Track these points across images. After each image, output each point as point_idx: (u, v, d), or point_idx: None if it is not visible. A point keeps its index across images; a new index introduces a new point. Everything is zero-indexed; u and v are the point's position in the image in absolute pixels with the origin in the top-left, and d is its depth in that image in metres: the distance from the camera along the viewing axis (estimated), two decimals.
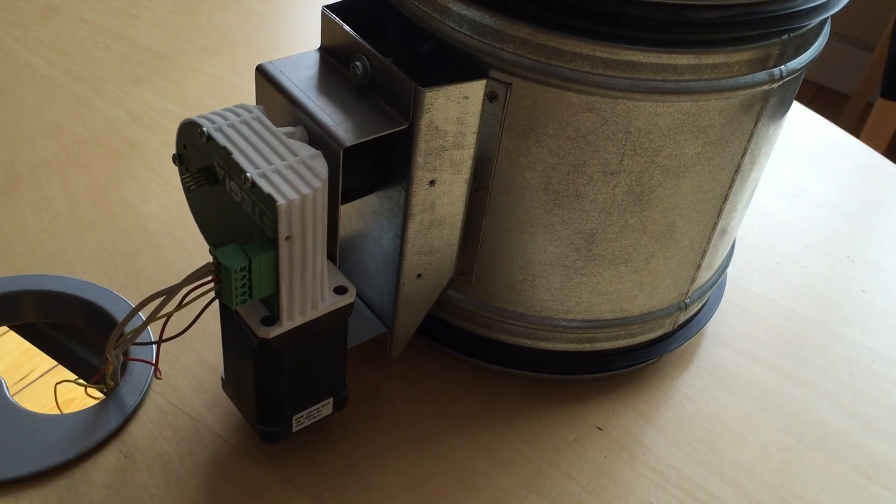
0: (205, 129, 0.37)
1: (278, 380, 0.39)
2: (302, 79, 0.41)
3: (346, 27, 0.40)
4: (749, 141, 0.41)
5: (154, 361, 0.45)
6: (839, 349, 0.54)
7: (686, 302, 0.48)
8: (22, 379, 1.23)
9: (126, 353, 0.46)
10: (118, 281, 0.51)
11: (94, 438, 0.43)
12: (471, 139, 0.40)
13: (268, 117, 0.39)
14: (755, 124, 0.40)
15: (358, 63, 0.40)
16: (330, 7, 0.42)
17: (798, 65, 0.40)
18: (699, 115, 0.38)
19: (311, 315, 0.38)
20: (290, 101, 0.39)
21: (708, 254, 0.46)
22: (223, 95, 0.67)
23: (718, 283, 0.53)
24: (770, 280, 0.58)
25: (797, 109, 0.75)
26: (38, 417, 0.43)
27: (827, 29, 0.44)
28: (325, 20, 0.41)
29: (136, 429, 0.44)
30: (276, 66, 0.41)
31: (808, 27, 0.39)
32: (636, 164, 0.39)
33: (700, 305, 0.52)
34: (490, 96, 0.39)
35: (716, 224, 0.44)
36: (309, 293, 0.37)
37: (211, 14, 0.77)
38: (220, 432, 0.44)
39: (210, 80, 0.69)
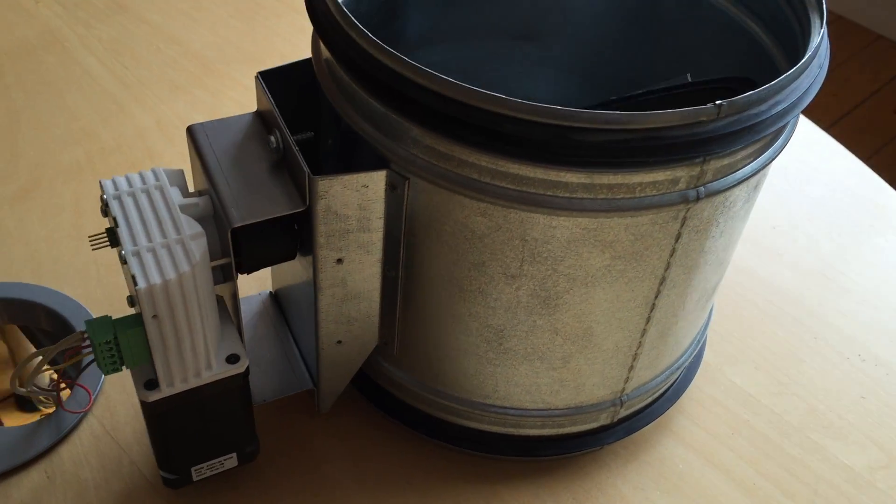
0: (104, 195, 0.38)
1: (165, 437, 0.41)
2: (223, 146, 0.41)
3: (269, 97, 0.40)
4: (672, 255, 0.38)
5: (92, 391, 0.48)
6: (812, 464, 0.49)
7: (622, 399, 0.46)
8: None
9: (75, 376, 0.49)
10: (94, 295, 0.54)
11: (25, 455, 0.46)
12: (377, 223, 0.39)
13: (186, 184, 0.40)
14: (676, 240, 0.38)
15: (272, 138, 0.40)
16: (266, 73, 0.42)
17: (725, 185, 0.36)
18: (601, 231, 0.36)
19: (194, 382, 0.39)
20: (204, 168, 0.40)
21: (642, 357, 0.44)
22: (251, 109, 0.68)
23: (678, 375, 0.50)
24: (756, 372, 0.54)
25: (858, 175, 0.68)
26: None
27: (793, 125, 0.40)
28: (257, 86, 0.42)
29: (66, 450, 0.47)
30: (204, 128, 0.42)
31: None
32: (537, 271, 0.38)
33: (652, 398, 0.49)
34: (391, 186, 0.38)
35: (645, 330, 0.42)
36: (189, 363, 0.38)
37: (266, 21, 0.79)
38: (140, 466, 0.46)
39: (244, 92, 0.71)
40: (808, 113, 0.66)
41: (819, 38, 0.37)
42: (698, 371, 0.53)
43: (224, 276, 0.40)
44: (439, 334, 0.42)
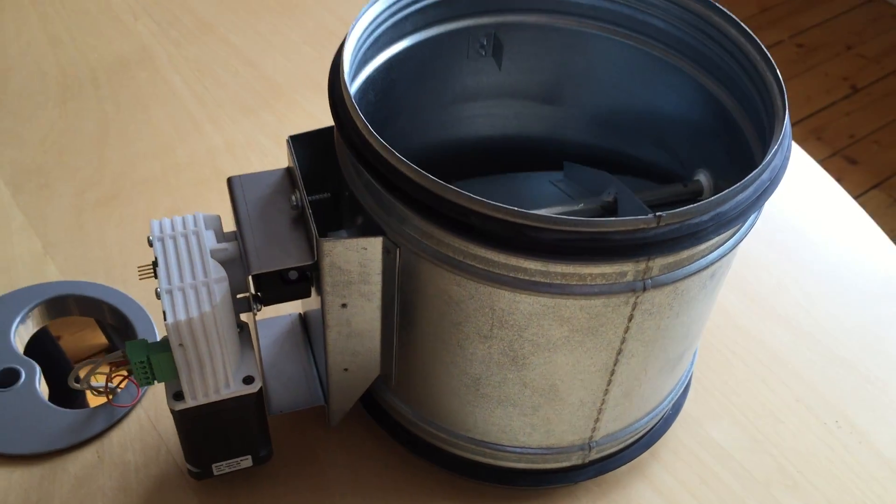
0: (150, 237, 0.45)
1: (190, 438, 0.48)
2: (254, 198, 0.48)
3: (294, 160, 0.47)
4: (627, 332, 0.44)
5: (139, 391, 0.56)
6: None
7: (591, 445, 0.51)
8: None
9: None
10: (153, 299, 0.62)
11: (81, 436, 0.54)
12: (376, 278, 0.46)
13: (222, 226, 0.48)
14: (630, 320, 0.43)
15: (293, 197, 0.47)
16: (296, 137, 0.49)
17: (674, 278, 0.41)
18: (558, 308, 0.42)
19: (214, 398, 0.46)
20: (236, 216, 0.47)
21: (607, 412, 0.49)
22: None
23: (653, 425, 0.55)
24: (734, 427, 0.58)
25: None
26: (50, 408, 0.56)
27: (751, 222, 0.45)
28: (287, 147, 0.48)
29: (116, 435, 0.55)
30: (240, 180, 0.49)
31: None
32: (506, 335, 0.44)
33: (623, 445, 0.54)
34: (386, 250, 0.44)
35: (607, 390, 0.47)
36: (210, 382, 0.46)
37: (334, 49, 0.85)
38: (175, 455, 0.54)
39: (307, 118, 0.78)
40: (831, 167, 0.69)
41: (772, 153, 0.42)
42: (677, 421, 0.57)
43: (248, 306, 0.47)
44: (427, 375, 0.49)
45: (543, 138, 0.62)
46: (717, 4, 0.50)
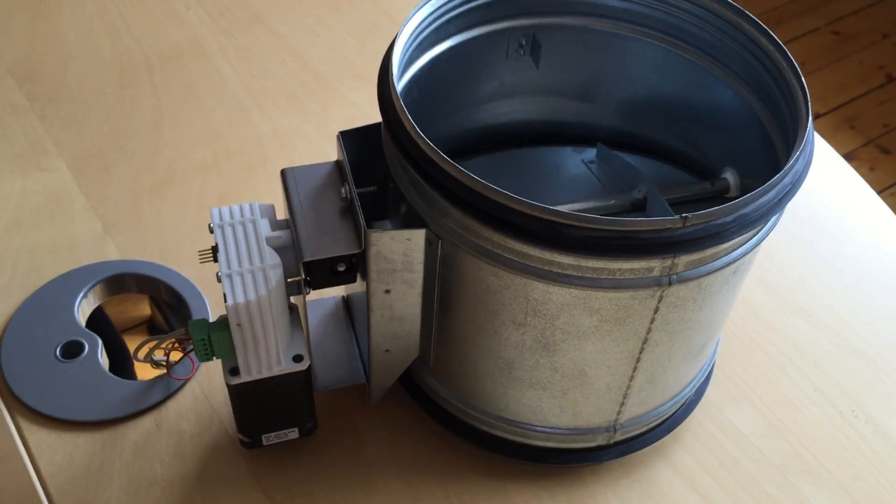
0: (210, 224, 0.49)
1: (243, 411, 0.52)
2: (306, 190, 0.52)
3: (344, 154, 0.51)
4: (652, 323, 0.47)
5: (194, 365, 0.60)
6: (784, 502, 0.57)
7: (615, 427, 0.55)
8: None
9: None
10: (205, 278, 0.66)
11: (140, 405, 0.59)
12: (418, 267, 0.49)
13: (275, 214, 0.51)
14: (655, 312, 0.46)
15: (343, 189, 0.50)
16: (346, 132, 0.52)
17: (698, 274, 0.44)
18: (589, 300, 0.45)
19: (266, 374, 0.50)
20: (289, 207, 0.51)
21: (632, 397, 0.52)
22: (354, 125, 0.79)
23: (675, 410, 0.58)
24: (753, 414, 0.61)
25: None
26: (112, 379, 0.60)
27: (773, 221, 0.47)
28: (338, 142, 0.52)
29: (172, 405, 0.59)
30: (293, 172, 0.52)
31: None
32: (538, 322, 0.47)
33: (647, 428, 0.57)
34: (428, 242, 0.47)
35: (633, 376, 0.50)
36: (263, 360, 0.49)
37: (378, 41, 0.89)
38: (227, 425, 0.58)
39: (350, 108, 0.81)
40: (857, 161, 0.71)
41: (794, 158, 0.44)
42: (698, 406, 0.60)
43: (298, 289, 0.51)
44: (463, 358, 0.52)
45: (576, 124, 0.65)
46: (747, 12, 0.52)
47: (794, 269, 0.71)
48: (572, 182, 0.61)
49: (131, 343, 0.92)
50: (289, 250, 0.50)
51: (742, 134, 0.56)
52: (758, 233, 0.46)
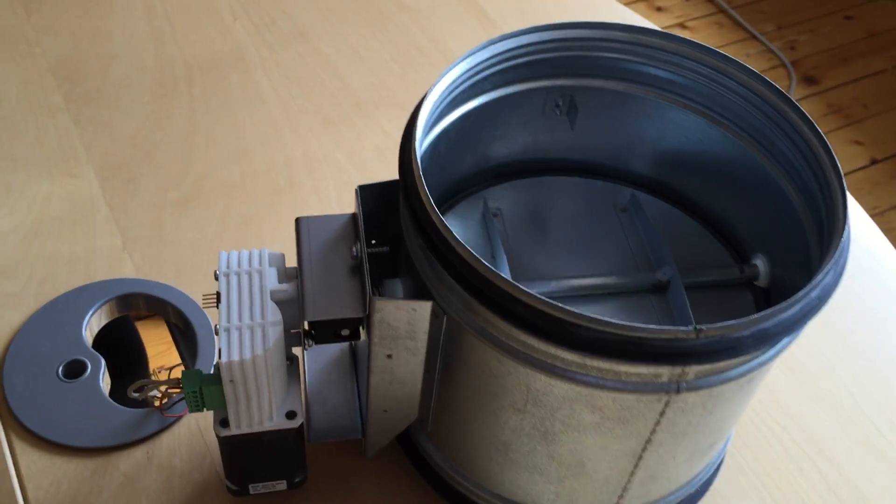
0: (217, 270, 0.48)
1: (231, 460, 0.51)
2: (318, 242, 0.50)
3: (359, 210, 0.49)
4: (657, 424, 0.44)
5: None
6: None
7: None
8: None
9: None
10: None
11: (134, 435, 0.58)
12: (422, 336, 0.47)
13: (285, 262, 0.50)
14: (661, 415, 0.44)
15: (354, 248, 0.49)
16: (364, 186, 0.51)
17: (709, 384, 0.42)
18: (592, 397, 0.43)
19: (257, 428, 0.49)
20: (299, 258, 0.50)
21: (631, 491, 0.50)
22: (384, 157, 0.78)
23: (677, 501, 0.56)
24: None
25: None
26: (109, 405, 0.59)
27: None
28: (356, 196, 0.50)
29: (167, 438, 0.59)
30: (307, 223, 0.51)
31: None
32: (538, 412, 0.45)
33: None
34: (434, 314, 0.46)
35: (633, 472, 0.48)
36: (255, 415, 0.48)
37: (421, 68, 0.87)
38: (218, 466, 0.58)
39: (383, 138, 0.80)
40: None
41: (825, 272, 0.42)
42: (704, 498, 0.58)
43: (300, 341, 0.50)
44: (461, 431, 0.51)
45: (612, 168, 0.63)
46: (794, 101, 0.50)
47: (822, 355, 0.68)
48: (599, 232, 0.58)
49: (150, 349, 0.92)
50: (294, 303, 0.49)
51: (777, 219, 0.53)
52: (772, 348, 0.44)
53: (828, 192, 0.47)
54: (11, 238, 0.68)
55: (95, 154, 0.75)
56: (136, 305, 0.66)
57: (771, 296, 0.56)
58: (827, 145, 0.48)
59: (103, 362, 0.61)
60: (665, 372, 0.41)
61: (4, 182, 0.72)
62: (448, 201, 0.60)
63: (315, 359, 0.60)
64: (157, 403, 0.55)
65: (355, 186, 0.50)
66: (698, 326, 0.39)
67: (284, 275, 0.51)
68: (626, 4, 2.29)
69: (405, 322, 0.46)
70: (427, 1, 0.95)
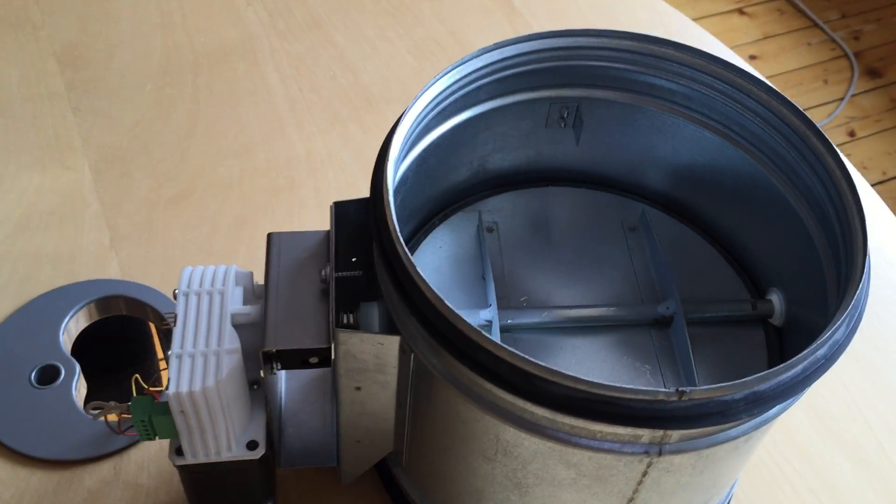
0: (176, 290, 0.45)
1: (190, 487, 0.48)
2: (289, 262, 0.47)
3: (332, 229, 0.45)
4: (640, 484, 0.40)
5: None
6: None
7: None
8: None
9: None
10: None
11: (102, 449, 0.55)
12: (392, 370, 0.44)
13: (253, 280, 0.47)
14: (644, 475, 0.39)
15: (323, 271, 0.45)
16: (341, 203, 0.47)
17: (696, 447, 0.38)
18: (565, 453, 0.39)
19: (214, 458, 0.46)
20: (266, 279, 0.46)
21: None
22: None
23: None
24: None
25: None
26: (79, 415, 0.57)
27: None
28: (330, 213, 0.47)
29: (135, 454, 0.56)
30: (279, 239, 0.48)
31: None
32: (510, 462, 0.41)
33: None
34: (402, 350, 0.42)
35: None
36: (211, 445, 0.45)
37: (439, 63, 0.83)
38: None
39: None
40: None
41: (834, 327, 0.37)
42: None
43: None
44: (434, 472, 0.47)
45: (622, 181, 0.58)
46: (817, 126, 0.45)
47: (847, 393, 0.62)
48: (603, 253, 0.53)
49: None
50: (258, 327, 0.45)
51: (796, 253, 0.48)
52: (770, 409, 0.39)
53: (848, 232, 0.42)
54: None
55: (92, 145, 0.73)
56: (117, 308, 0.63)
57: (784, 336, 0.51)
58: (851, 179, 0.42)
59: (78, 368, 0.59)
60: (645, 433, 0.37)
61: None
62: (443, 211, 0.56)
63: (295, 376, 0.57)
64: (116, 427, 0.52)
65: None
66: (681, 389, 0.35)
67: (252, 295, 0.47)
68: None
69: (372, 355, 0.43)
70: None
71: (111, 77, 0.78)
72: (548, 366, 0.35)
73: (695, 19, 2.12)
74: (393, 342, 0.42)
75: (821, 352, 0.37)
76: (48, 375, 0.58)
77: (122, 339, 0.84)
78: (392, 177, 0.42)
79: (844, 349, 0.38)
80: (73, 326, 0.62)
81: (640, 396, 0.35)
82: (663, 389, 0.35)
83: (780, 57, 2.15)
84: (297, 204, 0.70)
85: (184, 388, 0.41)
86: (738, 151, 0.50)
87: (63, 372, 0.58)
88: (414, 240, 0.54)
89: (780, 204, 0.49)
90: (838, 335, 0.38)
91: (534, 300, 0.51)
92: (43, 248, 0.65)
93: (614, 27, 0.72)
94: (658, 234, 0.53)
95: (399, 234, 0.39)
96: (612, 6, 0.90)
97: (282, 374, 0.56)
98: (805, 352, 0.36)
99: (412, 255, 0.53)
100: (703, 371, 0.49)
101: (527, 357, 0.35)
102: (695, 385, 0.47)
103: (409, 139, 0.45)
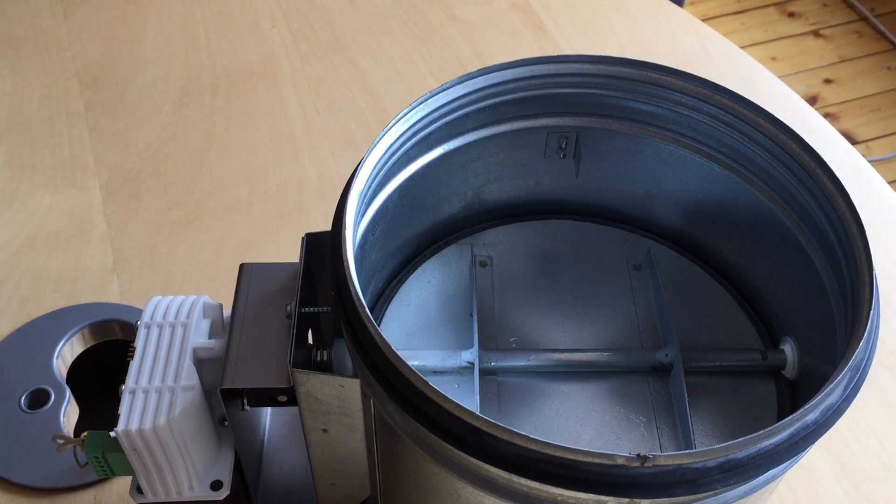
0: (139, 321, 0.43)
1: None
2: (258, 294, 0.45)
3: (301, 262, 0.43)
4: None
5: None
6: None
7: None
8: None
9: None
10: None
11: (85, 478, 0.54)
12: (357, 413, 0.41)
13: (223, 312, 0.45)
14: None
15: (288, 306, 0.43)
16: (313, 235, 0.45)
17: None
18: None
19: (175, 497, 0.44)
20: (233, 311, 0.44)
21: None
22: None
23: None
24: None
25: None
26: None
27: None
28: (301, 245, 0.44)
29: (118, 483, 0.54)
30: (251, 269, 0.46)
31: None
32: None
33: None
34: (363, 393, 0.39)
35: None
36: (170, 484, 0.43)
37: None
38: None
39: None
40: None
41: (828, 388, 0.33)
42: None
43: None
44: None
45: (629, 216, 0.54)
46: (828, 164, 0.41)
47: (882, 450, 0.57)
48: (603, 294, 0.50)
49: None
50: (222, 362, 0.43)
51: (809, 300, 0.44)
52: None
53: (856, 281, 0.38)
54: (2, 253, 0.66)
55: (104, 166, 0.72)
56: (112, 332, 0.62)
57: (797, 388, 0.46)
58: (861, 223, 0.38)
59: (69, 394, 0.58)
60: (610, 500, 0.33)
61: (8, 191, 0.70)
62: (436, 244, 0.53)
63: (279, 412, 0.55)
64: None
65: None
66: (643, 454, 0.31)
67: (222, 328, 0.45)
68: (755, 9, 2.13)
69: (335, 398, 0.40)
70: (482, 12, 0.88)
71: (130, 97, 0.78)
72: (497, 422, 0.32)
73: (768, 41, 2.06)
74: (354, 385, 0.39)
75: (812, 416, 0.33)
76: (38, 399, 0.57)
77: (121, 365, 0.84)
78: (356, 210, 0.40)
79: (841, 413, 0.34)
80: (67, 351, 0.61)
81: (598, 460, 0.31)
82: (624, 454, 0.31)
83: (857, 81, 2.06)
84: (305, 229, 0.68)
85: (133, 426, 0.40)
86: (748, 187, 0.46)
87: (53, 397, 0.57)
88: (402, 273, 0.51)
89: (791, 244, 0.45)
90: (833, 398, 0.34)
91: (524, 341, 0.48)
92: (46, 269, 0.65)
93: (650, 51, 0.69)
94: (665, 272, 0.49)
95: (350, 269, 0.37)
96: (650, 29, 0.86)
97: (267, 410, 0.54)
98: (792, 416, 0.33)
99: (399, 288, 0.50)
100: (703, 426, 0.45)
101: (475, 413, 0.32)
102: (691, 441, 0.43)
103: (377, 173, 0.43)
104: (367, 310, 0.35)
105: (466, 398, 0.45)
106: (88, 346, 0.62)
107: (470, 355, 0.46)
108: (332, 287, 0.39)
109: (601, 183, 0.52)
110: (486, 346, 0.47)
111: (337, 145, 0.75)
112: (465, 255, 0.52)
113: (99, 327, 0.62)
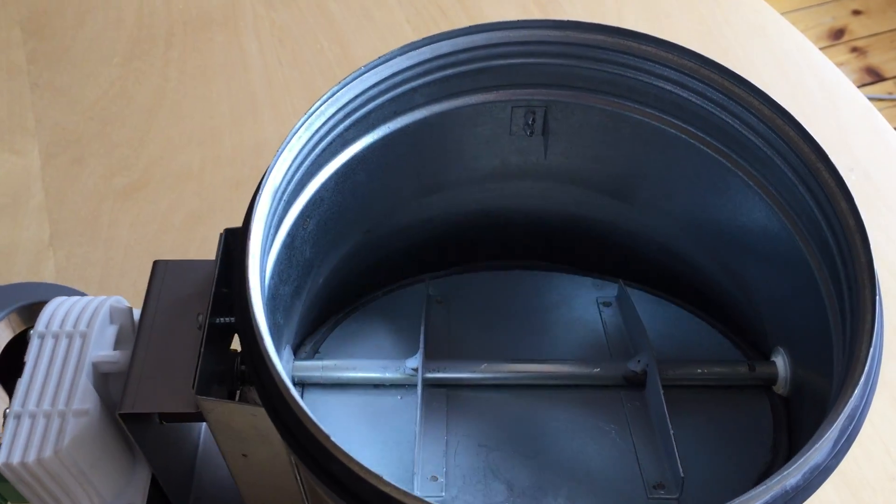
0: (32, 331, 0.38)
1: None
2: (170, 298, 0.39)
3: (217, 262, 0.38)
4: None
5: None
6: None
7: None
8: None
9: None
10: None
11: None
12: (276, 440, 0.36)
13: (133, 317, 0.39)
14: None
15: (199, 316, 0.37)
16: (233, 230, 0.39)
17: None
18: None
19: None
20: (141, 317, 0.38)
21: None
22: None
23: None
24: None
25: None
26: None
27: None
28: (219, 242, 0.39)
29: None
30: (165, 268, 0.40)
31: None
32: None
33: None
34: None
35: None
36: None
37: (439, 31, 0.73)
38: None
39: None
40: None
41: (814, 447, 0.27)
42: None
43: None
44: None
45: (608, 229, 0.49)
46: (830, 159, 0.34)
47: (889, 457, 0.52)
48: (572, 324, 0.45)
49: None
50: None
51: (804, 309, 0.38)
52: None
53: (857, 306, 0.32)
54: None
55: (45, 126, 0.66)
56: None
57: (792, 404, 0.41)
58: (864, 232, 0.32)
59: None
60: None
61: None
62: (386, 286, 0.47)
63: None
64: None
65: None
66: None
67: (130, 333, 0.40)
68: None
69: (250, 426, 0.35)
70: None
71: (77, 48, 0.71)
72: (406, 490, 0.26)
73: None
74: (263, 415, 0.34)
75: (792, 481, 0.27)
76: None
77: None
78: (266, 222, 0.34)
79: (830, 473, 0.28)
80: None
81: None
82: None
83: (887, 12, 1.91)
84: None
85: (15, 459, 0.34)
86: (739, 175, 0.40)
87: None
88: (350, 308, 0.45)
89: (787, 246, 0.38)
90: (820, 457, 0.28)
91: (479, 354, 0.43)
92: None
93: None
94: (638, 305, 0.43)
95: (250, 289, 0.31)
96: None
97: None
98: (766, 483, 0.27)
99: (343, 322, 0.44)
100: (688, 443, 0.39)
101: (383, 477, 0.27)
102: (675, 458, 0.38)
103: (301, 162, 0.36)
104: (261, 329, 0.30)
105: (408, 412, 0.40)
106: (18, 332, 0.57)
107: (414, 361, 0.40)
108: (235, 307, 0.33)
109: (574, 163, 0.45)
110: (432, 355, 0.41)
111: (300, 102, 0.68)
112: (419, 293, 0.46)
113: (29, 311, 0.56)
